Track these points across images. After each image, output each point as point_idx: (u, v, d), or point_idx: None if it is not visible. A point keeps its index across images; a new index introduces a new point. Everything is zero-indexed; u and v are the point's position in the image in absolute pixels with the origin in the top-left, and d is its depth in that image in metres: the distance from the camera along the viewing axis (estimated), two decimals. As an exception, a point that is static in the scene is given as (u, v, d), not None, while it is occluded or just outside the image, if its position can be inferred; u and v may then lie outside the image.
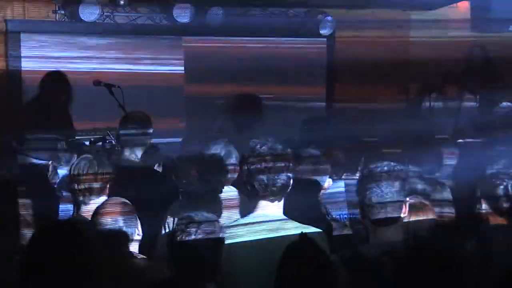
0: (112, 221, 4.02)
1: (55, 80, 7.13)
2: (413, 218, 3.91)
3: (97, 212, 4.11)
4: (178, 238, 3.49)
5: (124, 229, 4.03)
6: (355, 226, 4.66)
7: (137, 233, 4.10)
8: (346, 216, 4.83)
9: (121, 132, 5.74)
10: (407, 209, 3.74)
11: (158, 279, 3.62)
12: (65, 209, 4.96)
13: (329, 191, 4.94)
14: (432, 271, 2.86)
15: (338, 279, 3.24)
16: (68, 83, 7.17)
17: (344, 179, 5.04)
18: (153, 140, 5.95)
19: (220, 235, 3.55)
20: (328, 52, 9.66)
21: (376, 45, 9.20)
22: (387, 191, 3.65)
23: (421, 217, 4.04)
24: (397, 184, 3.69)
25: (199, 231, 3.48)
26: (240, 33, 9.19)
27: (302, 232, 3.30)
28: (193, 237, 3.47)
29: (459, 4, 9.58)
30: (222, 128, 6.86)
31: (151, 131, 5.70)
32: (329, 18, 9.28)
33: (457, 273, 2.89)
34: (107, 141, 6.60)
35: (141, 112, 5.90)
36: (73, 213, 4.55)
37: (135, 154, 5.55)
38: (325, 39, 9.55)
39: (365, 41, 9.20)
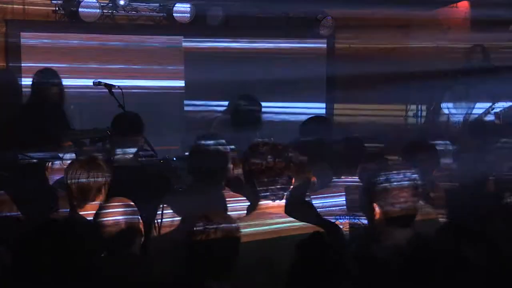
0: (114, 221, 4.02)
1: (46, 78, 7.14)
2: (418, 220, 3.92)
3: (100, 211, 4.10)
4: (198, 238, 3.49)
5: (126, 229, 4.03)
6: (354, 228, 4.67)
7: (139, 234, 4.11)
8: (345, 217, 4.83)
9: (113, 132, 5.78)
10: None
11: (165, 279, 3.62)
12: (62, 209, 4.95)
13: (328, 192, 4.97)
14: (438, 272, 2.87)
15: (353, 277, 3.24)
16: (60, 79, 7.18)
17: (343, 181, 5.04)
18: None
19: (237, 234, 3.56)
20: (328, 52, 9.67)
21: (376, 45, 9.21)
22: (403, 193, 3.66)
23: (424, 219, 4.06)
24: (411, 186, 3.70)
25: (217, 231, 3.49)
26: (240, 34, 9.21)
27: (316, 231, 3.30)
28: (211, 236, 3.48)
29: (459, 4, 9.58)
30: (222, 127, 6.89)
31: (142, 131, 5.72)
32: (329, 18, 9.28)
33: (462, 274, 2.89)
34: (107, 141, 6.59)
35: (132, 112, 5.93)
36: (69, 213, 4.55)
37: (127, 154, 5.58)
38: (325, 39, 9.56)
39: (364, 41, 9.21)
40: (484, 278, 3.02)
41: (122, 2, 8.53)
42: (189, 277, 3.48)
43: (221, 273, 3.49)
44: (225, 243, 3.49)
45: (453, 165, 6.00)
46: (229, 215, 3.71)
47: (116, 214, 4.04)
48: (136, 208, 4.13)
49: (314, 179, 4.83)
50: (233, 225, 3.56)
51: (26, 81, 7.88)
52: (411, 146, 5.61)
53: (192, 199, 4.55)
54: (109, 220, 4.02)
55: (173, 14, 8.67)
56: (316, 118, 6.74)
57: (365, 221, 4.44)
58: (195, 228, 3.50)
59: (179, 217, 4.58)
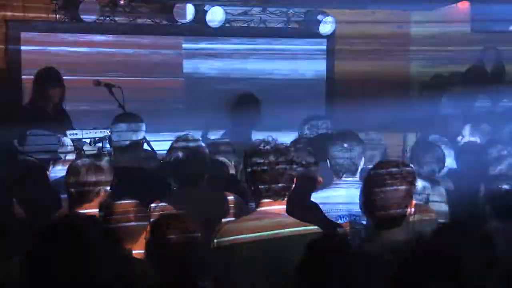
0: (119, 221, 4.02)
1: (47, 77, 7.14)
2: (415, 218, 3.92)
3: (106, 211, 4.11)
4: (154, 237, 3.49)
5: (131, 229, 4.04)
6: (355, 227, 4.67)
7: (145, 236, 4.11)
8: (346, 217, 4.83)
9: (112, 133, 5.80)
10: (412, 210, 3.75)
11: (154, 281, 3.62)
12: (63, 208, 4.95)
13: (328, 191, 4.97)
14: (435, 271, 2.87)
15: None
16: (61, 79, 7.18)
17: (344, 179, 5.04)
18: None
19: (196, 233, 3.55)
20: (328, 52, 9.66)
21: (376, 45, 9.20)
22: (392, 193, 3.66)
23: (422, 217, 4.06)
24: (403, 186, 3.70)
25: (172, 229, 3.49)
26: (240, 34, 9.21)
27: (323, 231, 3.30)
28: (167, 236, 3.48)
29: (459, 4, 9.57)
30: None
31: (142, 132, 5.74)
32: (329, 18, 9.28)
33: (459, 273, 2.89)
34: (107, 141, 6.60)
35: (132, 113, 5.95)
36: (70, 213, 4.56)
37: (127, 155, 5.60)
38: (325, 39, 9.55)
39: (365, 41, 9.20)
40: (480, 278, 3.03)
41: (122, 2, 8.53)
42: (174, 277, 3.49)
43: (190, 272, 3.48)
44: (182, 242, 3.49)
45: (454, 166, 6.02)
46: (189, 216, 3.69)
47: (122, 214, 4.05)
48: (144, 210, 4.14)
49: (320, 180, 4.84)
50: (190, 223, 3.56)
51: (27, 81, 7.89)
52: (417, 146, 5.62)
53: (175, 201, 4.56)
54: (118, 221, 4.04)
55: (173, 14, 8.67)
56: (315, 118, 6.73)
57: (365, 221, 4.46)
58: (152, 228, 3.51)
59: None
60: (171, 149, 4.83)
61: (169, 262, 3.48)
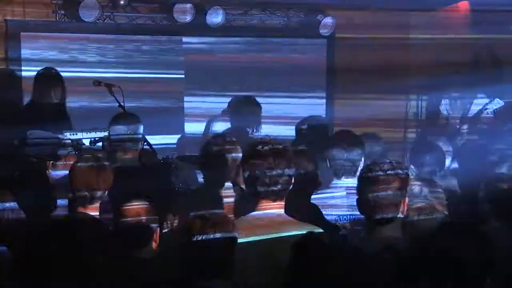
0: (130, 222, 4.03)
1: (48, 77, 7.15)
2: (414, 218, 3.94)
3: (118, 212, 4.12)
4: (193, 238, 3.49)
5: (140, 230, 4.04)
6: (355, 227, 4.67)
7: (154, 238, 4.11)
8: (346, 217, 4.84)
9: (111, 133, 5.82)
10: (406, 208, 3.78)
11: (170, 278, 3.62)
12: (63, 208, 4.96)
13: (328, 192, 4.98)
14: (433, 269, 2.87)
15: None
16: (61, 79, 7.19)
17: (344, 180, 5.04)
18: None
19: (234, 232, 3.55)
20: (328, 52, 9.68)
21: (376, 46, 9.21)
22: (385, 190, 3.69)
23: (421, 217, 4.07)
24: (396, 183, 3.72)
25: (213, 230, 3.49)
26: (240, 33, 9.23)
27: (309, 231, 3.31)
28: (208, 236, 3.47)
29: (459, 4, 9.58)
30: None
31: (141, 131, 5.75)
32: (329, 18, 9.29)
33: (457, 272, 2.89)
34: (107, 142, 6.60)
35: (131, 113, 5.96)
36: (70, 212, 4.57)
37: (127, 154, 5.61)
38: (325, 39, 9.56)
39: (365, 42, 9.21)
40: (479, 278, 3.03)
41: (122, 2, 8.54)
42: (190, 276, 3.49)
43: (220, 271, 3.49)
44: (221, 242, 3.49)
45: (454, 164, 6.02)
46: (225, 213, 3.71)
47: (133, 215, 4.07)
48: (154, 212, 4.14)
49: (320, 181, 4.86)
50: (230, 224, 3.56)
51: (27, 81, 7.88)
52: (417, 147, 5.62)
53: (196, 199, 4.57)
54: (125, 220, 4.05)
55: (173, 14, 8.67)
56: (312, 118, 6.73)
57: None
58: (191, 227, 3.51)
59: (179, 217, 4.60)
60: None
61: (208, 261, 3.48)
